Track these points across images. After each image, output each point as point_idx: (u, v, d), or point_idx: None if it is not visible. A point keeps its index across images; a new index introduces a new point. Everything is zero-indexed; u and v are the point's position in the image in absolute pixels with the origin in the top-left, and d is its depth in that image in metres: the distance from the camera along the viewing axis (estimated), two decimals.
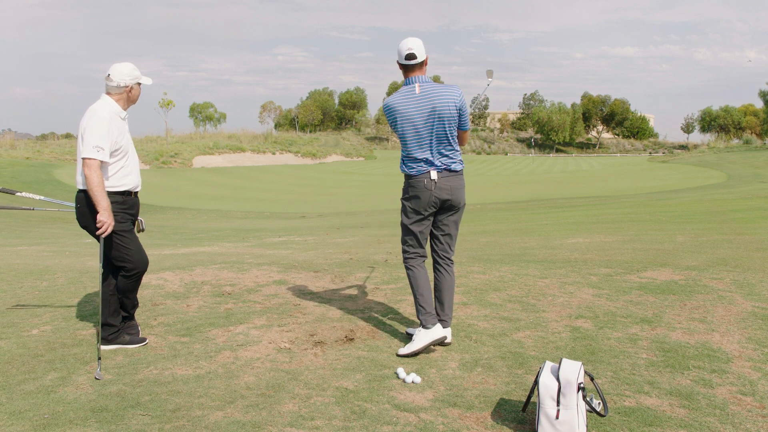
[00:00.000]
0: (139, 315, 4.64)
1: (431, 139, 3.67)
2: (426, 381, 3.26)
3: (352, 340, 3.97)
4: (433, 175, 3.68)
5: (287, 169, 52.91)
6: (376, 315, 4.56)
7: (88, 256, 8.44)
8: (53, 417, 2.87)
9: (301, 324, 4.35)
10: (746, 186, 24.02)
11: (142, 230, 4.10)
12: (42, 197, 4.57)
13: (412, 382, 3.24)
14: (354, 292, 5.35)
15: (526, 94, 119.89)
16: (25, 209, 4.74)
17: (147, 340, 4.01)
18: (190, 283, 5.84)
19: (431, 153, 3.69)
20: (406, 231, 3.89)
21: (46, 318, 4.65)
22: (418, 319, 3.76)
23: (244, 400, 3.04)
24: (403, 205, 3.84)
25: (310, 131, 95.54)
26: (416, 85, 3.67)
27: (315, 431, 2.71)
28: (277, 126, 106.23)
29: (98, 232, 3.65)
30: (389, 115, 3.73)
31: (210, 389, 3.19)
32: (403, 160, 3.81)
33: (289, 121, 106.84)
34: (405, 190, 3.82)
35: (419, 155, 3.69)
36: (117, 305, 4.00)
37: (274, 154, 62.59)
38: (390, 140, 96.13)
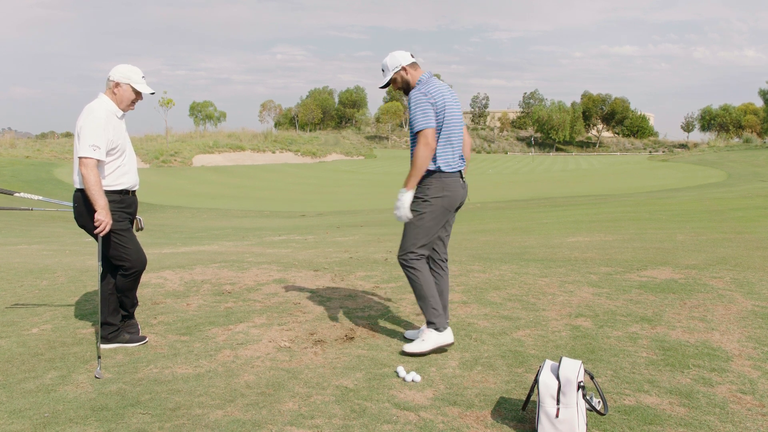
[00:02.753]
0: (139, 314, 4.64)
1: (460, 135, 3.68)
2: (426, 380, 3.26)
3: (352, 338, 3.97)
4: (463, 172, 3.70)
5: (287, 168, 52.90)
6: (375, 314, 4.56)
7: (88, 254, 8.44)
8: (53, 416, 2.87)
9: (301, 323, 4.35)
10: (746, 185, 24.02)
11: (141, 229, 4.10)
12: (40, 197, 4.54)
13: (412, 380, 3.24)
14: (354, 290, 5.35)
15: (525, 93, 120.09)
16: (23, 209, 4.69)
17: (147, 339, 4.01)
18: (190, 281, 5.85)
19: (459, 149, 3.68)
20: (426, 233, 3.64)
21: (46, 317, 4.66)
22: (432, 321, 3.62)
23: (244, 399, 3.04)
24: (432, 205, 3.60)
25: (310, 130, 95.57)
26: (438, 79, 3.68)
27: (315, 430, 2.71)
28: (277, 125, 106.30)
29: (96, 231, 3.64)
30: (440, 100, 3.53)
31: (210, 388, 3.19)
32: (437, 155, 3.59)
33: (289, 120, 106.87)
34: (437, 189, 3.59)
35: (455, 151, 3.63)
36: (116, 304, 4.00)
37: (274, 152, 62.59)
38: (390, 139, 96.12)
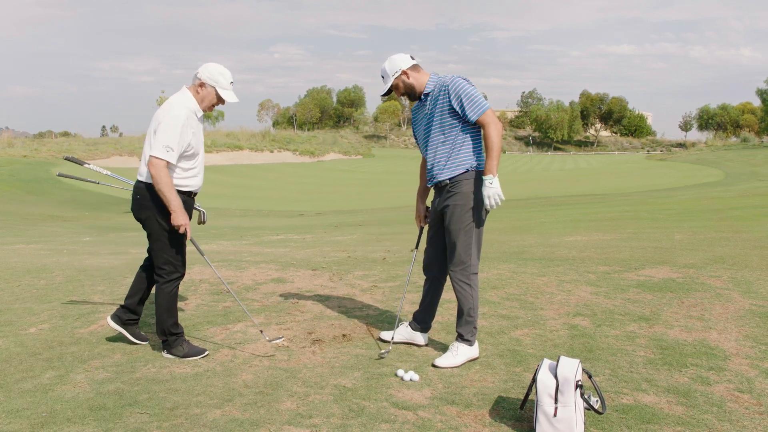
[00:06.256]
0: None
1: None
2: (424, 379, 3.26)
3: (350, 338, 3.97)
4: None
5: (285, 167, 52.86)
6: (374, 313, 4.56)
7: (86, 254, 8.43)
8: (51, 415, 2.86)
9: (299, 322, 4.35)
10: (744, 184, 24.04)
11: (204, 222, 4.04)
12: (109, 172, 4.40)
13: (411, 380, 3.24)
14: (352, 290, 5.34)
15: (524, 93, 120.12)
16: (90, 182, 4.53)
17: (148, 339, 3.99)
18: (188, 281, 5.84)
19: None
20: (480, 243, 3.52)
21: (43, 316, 4.65)
22: (469, 339, 3.51)
23: (243, 398, 3.04)
24: (480, 211, 3.46)
25: (308, 129, 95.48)
26: None
27: (313, 429, 2.71)
28: (276, 124, 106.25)
29: (180, 231, 3.50)
30: None
31: (208, 387, 3.19)
32: (479, 154, 3.49)
33: (288, 119, 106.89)
34: (479, 191, 3.44)
35: None
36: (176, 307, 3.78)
37: (272, 152, 62.54)
38: (388, 138, 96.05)
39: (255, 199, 27.56)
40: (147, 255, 3.88)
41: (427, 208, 3.81)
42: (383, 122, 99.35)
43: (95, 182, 4.49)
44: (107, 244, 10.60)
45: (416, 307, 3.92)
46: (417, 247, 3.96)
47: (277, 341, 3.56)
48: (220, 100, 3.65)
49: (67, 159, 4.45)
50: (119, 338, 4.02)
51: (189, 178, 3.64)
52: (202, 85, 3.59)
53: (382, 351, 3.65)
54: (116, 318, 3.89)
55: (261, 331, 3.80)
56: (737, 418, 2.71)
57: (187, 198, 3.68)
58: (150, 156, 3.44)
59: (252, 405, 2.96)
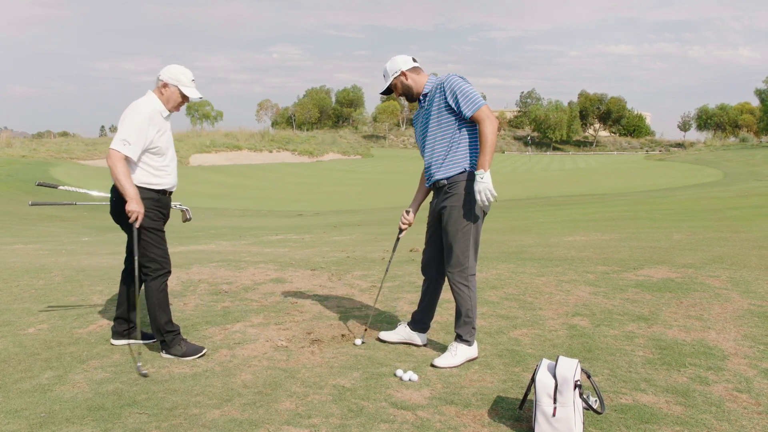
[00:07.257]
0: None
1: None
2: (423, 379, 3.26)
3: (349, 338, 3.97)
4: None
5: (284, 167, 52.88)
6: (373, 313, 4.56)
7: (84, 254, 8.42)
8: (50, 415, 2.86)
9: (298, 322, 4.35)
10: (743, 184, 24.06)
11: (189, 219, 4.03)
12: (85, 190, 4.42)
13: (409, 380, 3.24)
14: (351, 290, 5.34)
15: (523, 92, 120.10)
16: (66, 204, 4.50)
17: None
18: (187, 281, 5.83)
19: None
20: (477, 244, 3.52)
21: (42, 316, 4.64)
22: (468, 339, 3.51)
23: (241, 398, 3.04)
24: (477, 211, 3.43)
25: (307, 129, 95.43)
26: None
27: (312, 429, 2.70)
28: (274, 124, 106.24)
29: (130, 220, 3.53)
30: None
31: (207, 387, 3.19)
32: (476, 153, 3.44)
33: (286, 120, 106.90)
34: (473, 189, 3.38)
35: None
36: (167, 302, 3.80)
37: (271, 152, 62.60)
38: (387, 138, 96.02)
39: (254, 199, 27.56)
40: (126, 257, 3.88)
41: (408, 211, 3.80)
42: (382, 122, 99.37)
43: (72, 203, 4.47)
44: (106, 244, 10.59)
45: (415, 307, 3.92)
46: (394, 249, 4.07)
47: (143, 373, 3.40)
48: (185, 98, 3.73)
49: (39, 185, 4.49)
50: None
51: (161, 177, 3.70)
52: (165, 85, 3.68)
53: (357, 340, 3.87)
54: (116, 335, 3.92)
55: (139, 353, 3.66)
56: (736, 417, 2.71)
57: (162, 196, 3.74)
58: (109, 148, 3.51)
59: (251, 405, 2.95)
